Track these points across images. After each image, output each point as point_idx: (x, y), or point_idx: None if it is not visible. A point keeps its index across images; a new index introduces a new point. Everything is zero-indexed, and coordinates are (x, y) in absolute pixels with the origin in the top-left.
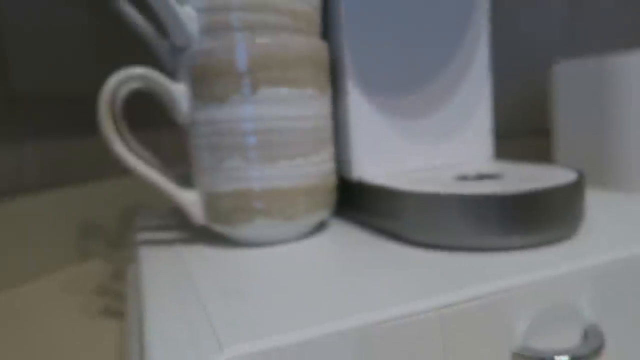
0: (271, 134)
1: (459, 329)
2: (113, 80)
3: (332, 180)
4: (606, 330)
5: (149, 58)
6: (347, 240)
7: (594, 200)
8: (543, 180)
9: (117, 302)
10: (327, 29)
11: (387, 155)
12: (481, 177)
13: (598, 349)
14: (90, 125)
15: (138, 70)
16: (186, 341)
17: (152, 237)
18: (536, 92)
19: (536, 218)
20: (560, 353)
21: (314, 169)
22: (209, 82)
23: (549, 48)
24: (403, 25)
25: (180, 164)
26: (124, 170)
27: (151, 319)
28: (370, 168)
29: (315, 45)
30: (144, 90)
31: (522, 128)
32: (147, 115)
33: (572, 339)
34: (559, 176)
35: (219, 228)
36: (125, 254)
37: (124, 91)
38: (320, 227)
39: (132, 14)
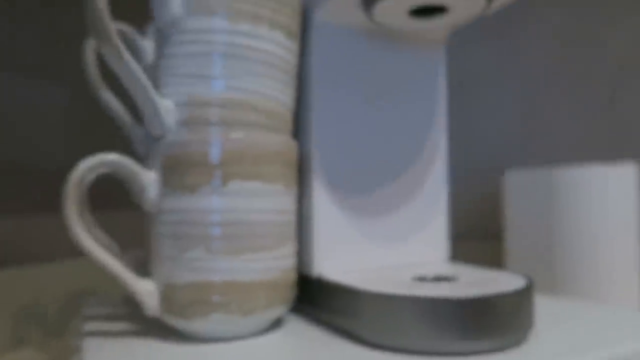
0: (238, 226)
1: None
2: (84, 165)
3: (293, 275)
4: None
5: (112, 136)
6: (304, 339)
7: (543, 307)
8: (494, 285)
9: None
10: (298, 129)
11: (348, 254)
12: (438, 279)
13: None
14: (34, 204)
15: (110, 157)
16: None
17: (99, 327)
18: (491, 197)
19: (488, 323)
20: None
21: (277, 263)
22: (181, 172)
23: (503, 155)
24: (368, 131)
25: (134, 247)
26: (71, 253)
27: None
28: (330, 265)
29: (286, 143)
30: (111, 174)
31: (477, 231)
32: (105, 196)
33: None
34: (509, 282)
35: (172, 321)
36: (65, 343)
37: (92, 175)
38: (277, 323)
39: (111, 100)
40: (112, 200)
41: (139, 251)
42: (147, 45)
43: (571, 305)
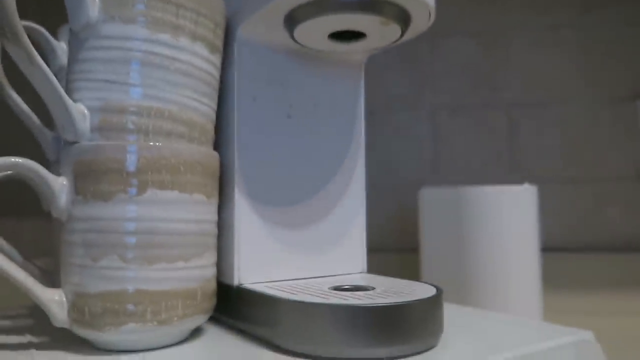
0: (153, 235)
1: None
2: None
3: (212, 285)
4: None
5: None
6: (222, 348)
7: (452, 315)
8: (408, 294)
9: None
10: (221, 140)
11: (269, 264)
12: (355, 288)
13: None
14: None
15: (14, 160)
16: None
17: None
18: (407, 213)
19: (400, 329)
20: None
21: (195, 272)
22: (95, 179)
23: (417, 175)
24: (290, 145)
25: (39, 256)
26: None
27: None
28: (251, 275)
29: (206, 153)
30: (15, 177)
31: (394, 244)
32: (8, 203)
33: None
34: (422, 291)
35: (83, 332)
36: None
37: None
38: (195, 333)
39: (17, 101)
40: (15, 207)
41: (45, 260)
42: (60, 47)
43: (478, 313)
